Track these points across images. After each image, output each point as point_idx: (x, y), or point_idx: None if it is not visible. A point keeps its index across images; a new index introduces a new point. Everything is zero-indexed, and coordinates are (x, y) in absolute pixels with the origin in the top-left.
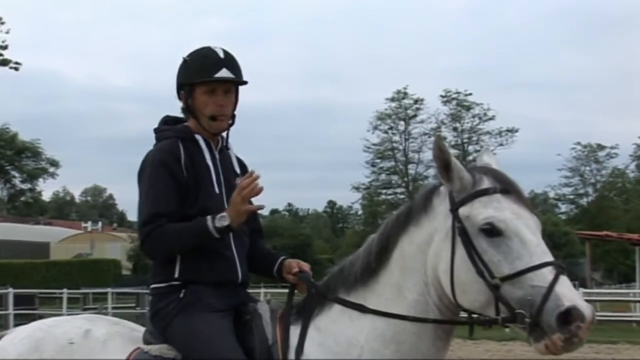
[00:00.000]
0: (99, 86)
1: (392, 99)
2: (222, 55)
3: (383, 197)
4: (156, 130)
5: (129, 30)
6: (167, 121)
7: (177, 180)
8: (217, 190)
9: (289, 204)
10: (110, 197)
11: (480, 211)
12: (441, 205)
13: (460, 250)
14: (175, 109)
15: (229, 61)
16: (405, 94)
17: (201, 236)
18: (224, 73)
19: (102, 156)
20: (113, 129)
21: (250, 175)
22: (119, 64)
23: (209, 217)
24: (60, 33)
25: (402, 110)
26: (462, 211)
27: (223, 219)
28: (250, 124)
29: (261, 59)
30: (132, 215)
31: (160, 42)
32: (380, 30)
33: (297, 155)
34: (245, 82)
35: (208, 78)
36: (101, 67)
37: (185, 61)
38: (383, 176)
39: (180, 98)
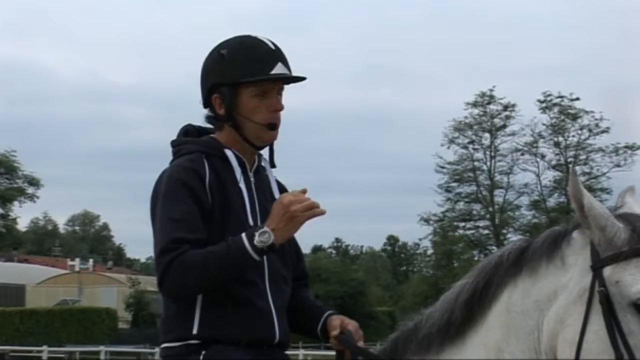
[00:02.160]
0: (93, 84)
1: (474, 104)
2: (272, 46)
3: (461, 232)
4: (174, 144)
5: (130, 12)
6: (189, 132)
7: (201, 205)
8: (250, 221)
9: (337, 240)
10: (105, 227)
11: (636, 279)
12: (576, 257)
13: (597, 323)
14: (194, 113)
15: (281, 53)
16: (492, 97)
17: (236, 259)
18: (280, 69)
19: (95, 174)
20: (111, 139)
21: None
22: (118, 55)
23: (243, 234)
24: (43, 16)
25: (487, 118)
26: (609, 273)
27: (264, 235)
28: (283, 134)
29: (299, 51)
30: (133, 251)
31: (172, 26)
32: (456, 14)
33: (347, 176)
34: (304, 78)
35: (264, 76)
36: (96, 60)
37: (221, 55)
38: (461, 205)
39: (210, 104)
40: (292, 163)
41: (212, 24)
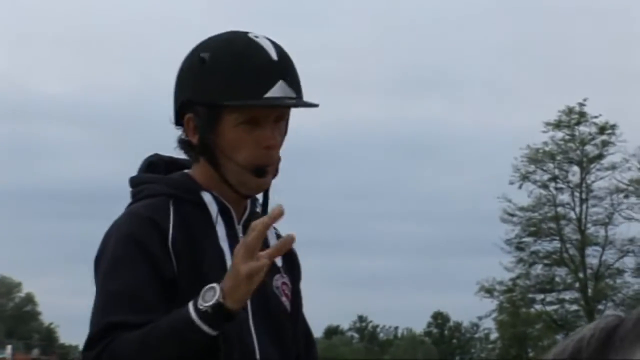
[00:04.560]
0: (6, 95)
1: (558, 125)
2: (274, 55)
3: (538, 307)
4: (134, 182)
5: None
6: (153, 165)
7: (159, 272)
8: None
9: (360, 319)
10: (29, 300)
11: None
12: None
13: None
14: (159, 136)
15: (286, 66)
16: (582, 115)
17: (181, 335)
18: (281, 90)
19: (13, 224)
20: (34, 173)
21: (276, 213)
22: (44, 55)
23: (190, 302)
24: None
25: (575, 145)
26: None
27: (208, 293)
28: (290, 165)
29: (305, 46)
30: (69, 334)
31: (126, 15)
32: (530, 1)
33: (373, 228)
34: (315, 105)
35: (255, 102)
36: (10, 61)
37: (201, 60)
38: (539, 268)
39: (182, 124)
40: (295, 209)
41: (186, 10)
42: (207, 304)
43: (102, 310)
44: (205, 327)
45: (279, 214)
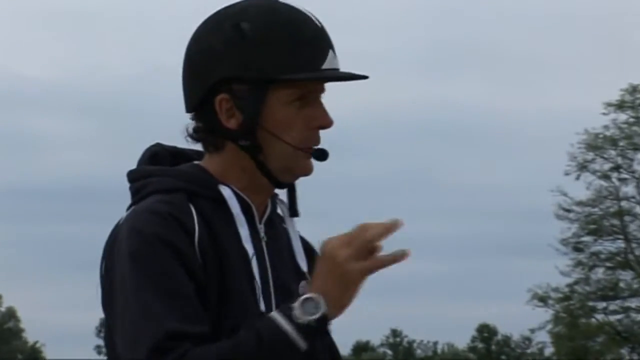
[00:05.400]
0: None
1: (620, 106)
2: (318, 22)
3: (600, 317)
4: (134, 176)
5: None
6: (158, 156)
7: (193, 277)
8: (262, 305)
9: (394, 333)
10: (11, 314)
11: None
12: None
13: None
14: (155, 127)
15: (328, 35)
16: None
17: (274, 351)
18: (332, 62)
19: None
20: (14, 170)
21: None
22: (28, 35)
23: (274, 312)
24: None
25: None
26: None
27: (309, 304)
28: None
29: (341, 28)
30: (56, 353)
31: None
32: None
33: (407, 223)
34: (366, 77)
35: (317, 73)
36: None
37: (241, 31)
38: (600, 273)
39: (207, 109)
40: (314, 206)
41: None
42: (309, 317)
43: (152, 316)
44: (302, 343)
45: (403, 255)
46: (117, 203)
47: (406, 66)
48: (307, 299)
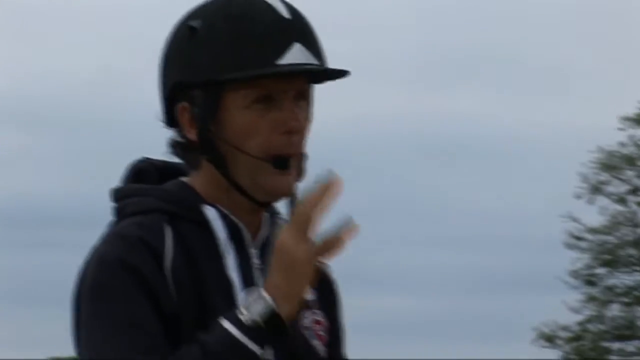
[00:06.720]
0: None
1: (638, 120)
2: (285, 12)
3: (615, 359)
4: (117, 195)
5: None
6: (143, 173)
7: (157, 305)
8: None
9: None
10: None
11: None
12: None
13: None
14: (142, 144)
15: (302, 26)
16: None
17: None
18: (298, 54)
19: None
20: None
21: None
22: None
23: (221, 319)
24: None
25: None
26: None
27: (257, 303)
28: None
29: (331, 31)
30: None
31: None
32: None
33: (398, 254)
34: (344, 72)
35: (268, 69)
36: None
37: (192, 30)
38: (615, 309)
39: (174, 119)
40: None
41: None
42: (253, 315)
43: (105, 348)
44: (252, 346)
45: (352, 229)
46: (78, 228)
47: (395, 73)
48: (250, 293)
